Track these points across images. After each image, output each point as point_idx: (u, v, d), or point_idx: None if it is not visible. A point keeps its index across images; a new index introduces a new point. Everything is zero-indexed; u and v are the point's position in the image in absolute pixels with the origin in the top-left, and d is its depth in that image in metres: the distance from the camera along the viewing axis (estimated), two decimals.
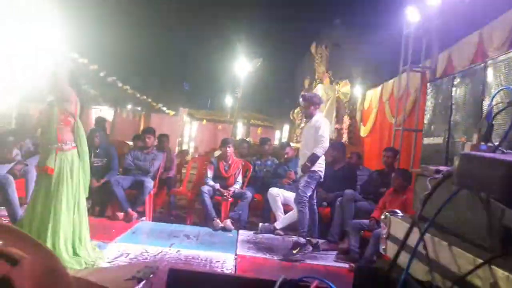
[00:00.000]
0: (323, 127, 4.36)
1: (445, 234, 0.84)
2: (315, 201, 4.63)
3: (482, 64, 3.71)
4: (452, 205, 0.82)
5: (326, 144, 4.31)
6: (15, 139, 4.84)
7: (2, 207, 4.33)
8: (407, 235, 0.79)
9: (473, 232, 0.78)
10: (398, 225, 1.01)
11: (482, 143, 0.97)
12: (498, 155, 0.77)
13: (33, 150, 5.04)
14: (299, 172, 4.50)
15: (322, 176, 4.48)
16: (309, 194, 4.43)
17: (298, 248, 4.21)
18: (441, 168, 0.97)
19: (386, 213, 1.08)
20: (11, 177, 4.05)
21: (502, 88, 2.46)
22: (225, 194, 5.27)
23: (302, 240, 4.29)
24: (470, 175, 0.70)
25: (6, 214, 4.12)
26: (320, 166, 4.43)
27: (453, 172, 0.71)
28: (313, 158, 4.28)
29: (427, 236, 0.84)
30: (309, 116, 4.57)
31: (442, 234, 0.85)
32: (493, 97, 1.95)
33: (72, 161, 3.30)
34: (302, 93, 4.64)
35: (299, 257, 4.18)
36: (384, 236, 1.07)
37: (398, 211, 1.08)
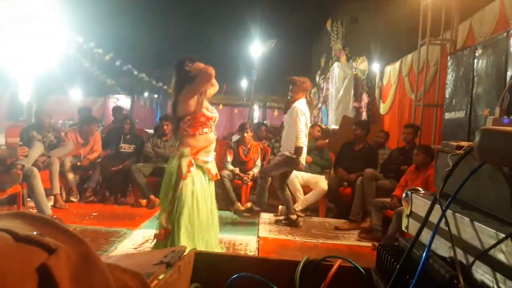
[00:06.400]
0: (297, 114, 4.38)
1: (467, 210, 0.84)
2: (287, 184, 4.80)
3: (505, 34, 3.58)
4: (474, 180, 0.81)
5: (302, 132, 4.38)
6: (38, 133, 4.97)
7: (29, 199, 4.48)
8: (429, 212, 0.79)
9: (495, 206, 0.77)
10: (419, 202, 1.01)
11: (505, 116, 0.96)
12: None
13: (56, 142, 5.17)
14: (279, 153, 4.69)
15: (303, 164, 4.52)
16: (273, 173, 4.65)
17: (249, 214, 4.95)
18: (462, 143, 0.95)
19: (408, 191, 1.08)
20: (35, 169, 4.17)
21: None
22: (244, 178, 5.31)
23: (256, 208, 4.93)
24: (491, 150, 0.69)
25: (34, 205, 4.26)
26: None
27: (474, 148, 0.71)
28: (298, 151, 4.37)
29: (449, 212, 0.83)
30: (294, 101, 4.54)
31: (464, 210, 0.84)
32: None
33: None
34: (293, 77, 4.59)
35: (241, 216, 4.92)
36: (406, 214, 1.07)
37: (420, 188, 1.08)
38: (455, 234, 0.79)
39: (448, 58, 4.66)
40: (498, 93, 3.63)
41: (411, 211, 1.02)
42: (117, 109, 7.42)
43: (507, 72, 3.46)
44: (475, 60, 4.01)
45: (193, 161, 2.89)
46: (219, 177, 3.23)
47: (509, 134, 0.63)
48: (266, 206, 5.35)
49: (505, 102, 0.98)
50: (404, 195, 1.09)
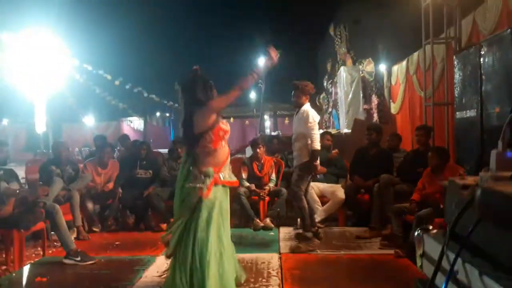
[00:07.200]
0: (310, 117, 4.30)
1: (476, 258, 0.85)
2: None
3: (508, 30, 3.57)
4: (482, 227, 0.82)
5: (317, 134, 4.30)
6: (56, 167, 5.10)
7: (53, 232, 4.60)
8: (440, 258, 0.81)
9: (503, 255, 0.78)
10: (431, 245, 1.02)
11: (508, 150, 0.97)
12: None
13: (74, 175, 5.28)
14: (295, 164, 4.48)
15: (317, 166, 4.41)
16: (304, 187, 4.37)
17: (305, 242, 4.26)
18: (468, 182, 0.96)
19: (419, 232, 1.09)
20: (57, 206, 4.26)
21: None
22: (261, 194, 5.33)
23: (309, 234, 4.30)
24: (492, 210, 0.70)
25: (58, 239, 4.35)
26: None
27: (475, 203, 0.72)
28: (315, 155, 4.25)
29: (459, 260, 0.85)
30: (298, 106, 4.47)
31: (473, 258, 0.85)
32: None
33: None
34: (295, 81, 4.53)
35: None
36: (419, 254, 1.09)
37: (430, 227, 1.09)
38: (466, 284, 0.81)
39: (454, 58, 4.63)
40: (508, 90, 3.60)
41: (423, 252, 1.04)
42: (124, 138, 7.61)
43: None
44: (481, 59, 3.99)
45: (219, 177, 2.95)
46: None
47: (508, 196, 0.65)
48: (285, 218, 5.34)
49: (507, 136, 0.99)
50: (415, 234, 1.10)
